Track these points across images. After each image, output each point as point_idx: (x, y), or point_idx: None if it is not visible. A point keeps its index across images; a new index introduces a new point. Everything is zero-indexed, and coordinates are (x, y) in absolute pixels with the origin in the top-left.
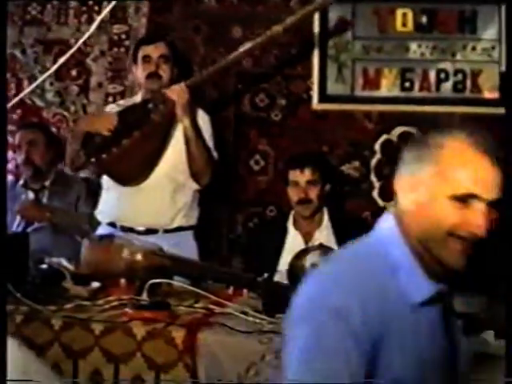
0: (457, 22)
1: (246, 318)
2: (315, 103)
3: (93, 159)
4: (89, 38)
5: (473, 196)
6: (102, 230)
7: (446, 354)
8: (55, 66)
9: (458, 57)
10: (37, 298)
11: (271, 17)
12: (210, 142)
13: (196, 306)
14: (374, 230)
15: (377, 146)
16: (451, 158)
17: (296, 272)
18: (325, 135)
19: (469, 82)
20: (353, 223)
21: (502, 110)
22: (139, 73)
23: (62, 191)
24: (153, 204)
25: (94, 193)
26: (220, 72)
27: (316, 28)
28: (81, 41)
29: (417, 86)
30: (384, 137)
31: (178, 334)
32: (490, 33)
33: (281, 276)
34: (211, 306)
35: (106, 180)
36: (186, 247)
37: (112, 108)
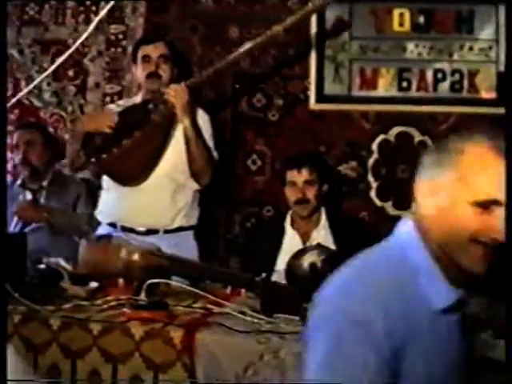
0: (454, 21)
1: (244, 318)
2: (312, 103)
3: (93, 159)
4: (86, 38)
5: (494, 202)
6: (102, 230)
7: (462, 357)
8: (53, 67)
9: (455, 57)
10: (35, 298)
11: (268, 17)
12: (209, 142)
13: (194, 305)
14: (392, 234)
15: (374, 146)
16: (472, 164)
17: (294, 272)
18: (322, 135)
19: (466, 82)
20: (350, 223)
21: (499, 110)
22: (139, 73)
23: (59, 191)
24: (153, 204)
25: (92, 193)
26: (220, 72)
27: (313, 28)
28: (79, 41)
29: (414, 85)
30: (381, 137)
31: (177, 334)
32: (487, 33)
33: (278, 276)
34: (209, 306)
35: (106, 180)
36: (187, 247)
37: (112, 108)
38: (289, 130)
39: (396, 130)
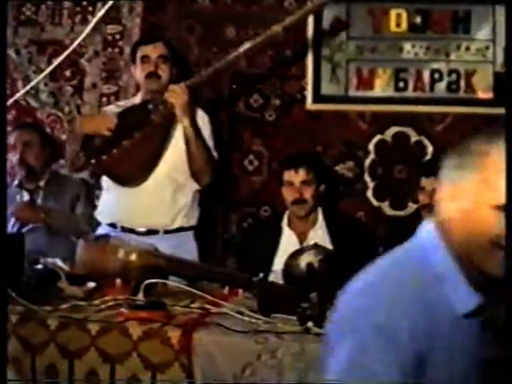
0: (451, 22)
1: (241, 318)
2: (309, 103)
3: (93, 160)
4: (84, 38)
5: None
6: (102, 231)
7: (481, 358)
8: (50, 68)
9: (452, 57)
10: (32, 298)
11: (265, 17)
12: (209, 142)
13: (192, 306)
14: (414, 237)
15: (371, 146)
16: (497, 166)
17: (291, 272)
18: (319, 135)
19: (463, 82)
20: (347, 223)
21: (496, 110)
22: (138, 73)
23: (56, 191)
24: (153, 205)
25: (89, 193)
26: (220, 72)
27: (310, 28)
28: (76, 42)
29: (411, 86)
30: (378, 137)
31: (174, 334)
32: (483, 33)
33: (276, 276)
34: (207, 306)
35: (105, 181)
36: (187, 248)
37: (111, 109)
38: (286, 130)
39: (393, 130)
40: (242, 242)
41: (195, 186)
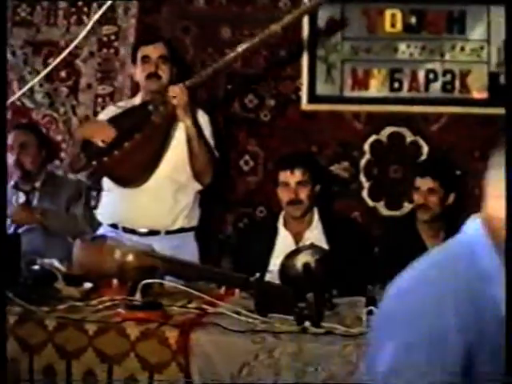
0: (445, 22)
1: (238, 318)
2: (304, 104)
3: (94, 162)
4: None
5: None
6: (103, 232)
7: None
8: (48, 69)
9: (447, 57)
10: (29, 299)
11: (260, 17)
12: (210, 141)
13: (189, 306)
14: (460, 234)
15: (366, 147)
16: None
17: (287, 272)
18: (314, 136)
19: (457, 83)
20: (342, 223)
21: (490, 110)
22: (138, 73)
23: (52, 192)
24: (154, 205)
25: (85, 194)
26: (219, 72)
27: (305, 29)
28: (73, 43)
29: (406, 86)
30: (373, 137)
31: (172, 334)
32: (478, 33)
33: (272, 276)
34: (204, 306)
35: (107, 182)
36: (188, 248)
37: (112, 110)
38: (281, 131)
39: (388, 130)
40: (238, 242)
41: (196, 187)
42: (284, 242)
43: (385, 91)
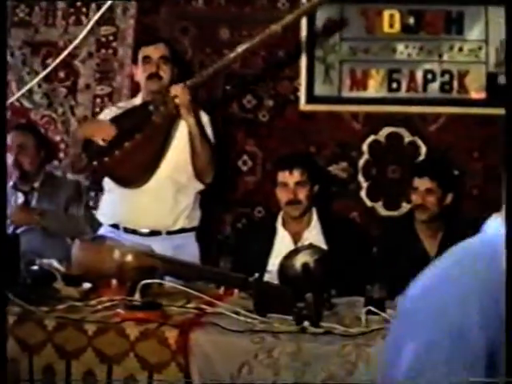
0: (443, 22)
1: (237, 318)
2: (302, 104)
3: (95, 162)
4: (76, 38)
5: None
6: (104, 232)
7: None
8: (46, 71)
9: (445, 57)
10: (29, 299)
11: (259, 18)
12: (211, 141)
13: (188, 306)
14: (481, 233)
15: (364, 147)
16: None
17: (286, 272)
18: (312, 136)
19: (456, 83)
20: (341, 223)
21: (488, 111)
22: (139, 73)
23: (51, 193)
24: (155, 206)
25: (83, 194)
26: (219, 72)
27: (303, 29)
28: (73, 45)
29: (404, 86)
30: (371, 137)
31: (171, 334)
32: (476, 33)
33: (270, 276)
34: (203, 306)
35: (107, 182)
36: (189, 249)
37: (112, 110)
38: (279, 131)
39: (386, 130)
40: (237, 242)
41: (197, 187)
42: (283, 242)
43: (383, 91)
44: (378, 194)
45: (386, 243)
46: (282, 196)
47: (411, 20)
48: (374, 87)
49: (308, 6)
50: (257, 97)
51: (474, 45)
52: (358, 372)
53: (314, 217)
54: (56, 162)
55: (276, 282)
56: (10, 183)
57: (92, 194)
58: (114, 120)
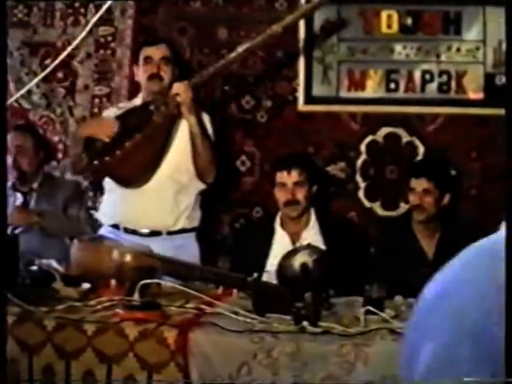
0: (441, 23)
1: (236, 318)
2: (301, 104)
3: (95, 162)
4: (74, 39)
5: None
6: (104, 232)
7: None
8: (45, 72)
9: (443, 58)
10: (28, 299)
11: (257, 18)
12: (212, 140)
13: (187, 306)
14: (496, 233)
15: (362, 147)
16: None
17: (285, 272)
18: (310, 136)
19: (453, 83)
20: (339, 223)
21: (486, 111)
22: (140, 74)
23: (49, 193)
24: (156, 206)
25: (82, 195)
26: (220, 72)
27: (302, 30)
28: (72, 46)
29: (402, 87)
30: (369, 138)
31: (170, 334)
32: (474, 34)
33: (268, 276)
34: (202, 306)
35: (108, 182)
36: (189, 249)
37: (112, 111)
38: (277, 132)
39: (384, 130)
40: (235, 242)
41: (197, 187)
42: (281, 243)
43: (381, 92)
44: (376, 194)
45: (383, 243)
46: (281, 196)
47: (409, 20)
48: (372, 87)
49: (309, 6)
50: (255, 97)
51: (471, 45)
52: (356, 371)
53: (313, 217)
54: (54, 163)
55: (274, 282)
56: (9, 184)
57: (90, 194)
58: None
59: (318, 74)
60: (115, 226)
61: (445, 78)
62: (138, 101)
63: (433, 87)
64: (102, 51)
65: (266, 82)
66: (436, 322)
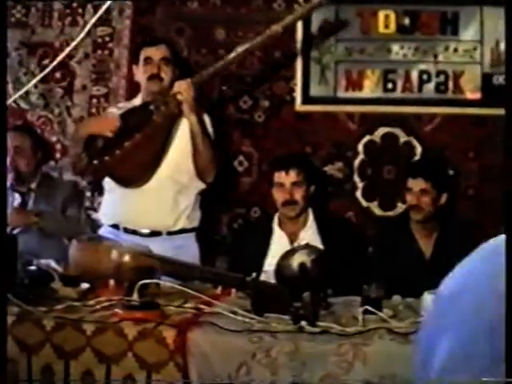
0: (439, 23)
1: (235, 318)
2: (298, 105)
3: (95, 161)
4: (72, 39)
5: None
6: (104, 232)
7: None
8: (44, 72)
9: (440, 58)
10: (27, 299)
11: (255, 19)
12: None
13: (186, 305)
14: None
15: (360, 147)
16: None
17: (283, 272)
18: (308, 136)
19: (451, 83)
20: (337, 223)
21: (483, 111)
22: (140, 74)
23: (47, 193)
24: (156, 206)
25: (80, 195)
26: (220, 72)
27: (299, 30)
28: (71, 46)
29: (399, 87)
30: (367, 138)
31: (169, 334)
32: (471, 34)
33: (267, 276)
34: (201, 306)
35: (108, 182)
36: (189, 249)
37: (112, 111)
38: (275, 132)
39: (381, 130)
40: (233, 242)
41: (198, 186)
42: (279, 243)
43: (378, 92)
44: (374, 194)
45: (381, 243)
46: (279, 196)
47: (406, 20)
48: (370, 88)
49: (308, 6)
50: (253, 97)
51: (469, 45)
52: (354, 371)
53: (310, 217)
54: (52, 163)
55: (273, 281)
56: (7, 184)
57: (89, 194)
58: None
59: (316, 74)
60: (115, 226)
61: (442, 78)
62: (137, 101)
63: (430, 87)
64: (99, 51)
65: (264, 82)
66: (454, 319)
